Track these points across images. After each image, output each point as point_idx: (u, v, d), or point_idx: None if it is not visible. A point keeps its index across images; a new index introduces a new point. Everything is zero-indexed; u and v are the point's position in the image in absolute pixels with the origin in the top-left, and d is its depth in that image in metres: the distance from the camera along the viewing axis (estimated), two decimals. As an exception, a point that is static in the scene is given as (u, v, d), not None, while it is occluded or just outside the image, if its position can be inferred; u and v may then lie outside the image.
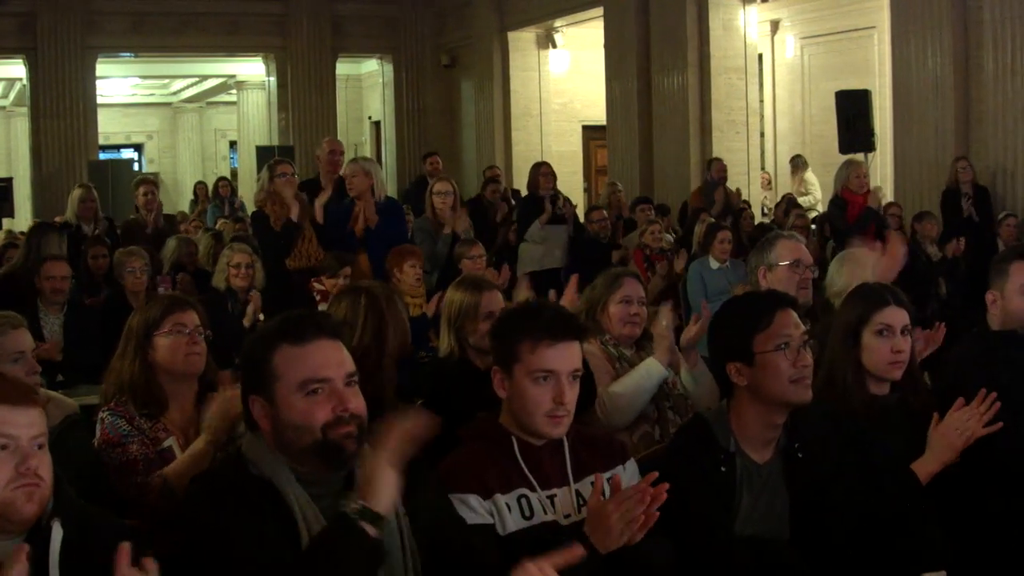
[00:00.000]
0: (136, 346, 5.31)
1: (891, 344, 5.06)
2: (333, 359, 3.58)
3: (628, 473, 4.32)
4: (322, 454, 3.49)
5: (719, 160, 18.11)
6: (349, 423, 3.50)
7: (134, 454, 5.06)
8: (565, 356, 4.14)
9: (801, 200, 19.62)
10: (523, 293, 7.33)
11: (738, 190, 17.85)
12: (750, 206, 18.46)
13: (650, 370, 5.98)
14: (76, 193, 12.86)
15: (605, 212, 14.13)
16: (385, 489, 3.39)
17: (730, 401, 4.55)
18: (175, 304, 5.45)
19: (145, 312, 5.41)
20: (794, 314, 4.52)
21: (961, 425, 4.70)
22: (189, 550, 3.45)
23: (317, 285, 9.82)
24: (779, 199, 19.25)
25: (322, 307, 9.00)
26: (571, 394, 4.14)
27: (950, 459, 4.69)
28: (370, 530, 3.34)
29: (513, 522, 4.01)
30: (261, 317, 9.34)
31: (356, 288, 6.20)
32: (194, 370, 5.34)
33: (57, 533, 3.30)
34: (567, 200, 15.18)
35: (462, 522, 3.87)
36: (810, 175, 21.11)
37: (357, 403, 3.56)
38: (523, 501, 4.05)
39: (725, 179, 17.42)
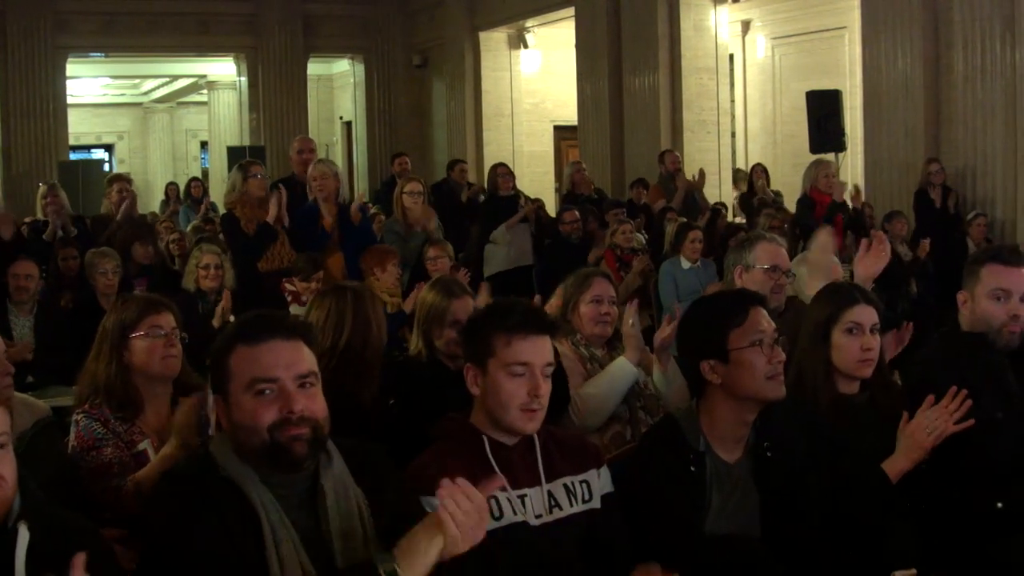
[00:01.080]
0: (111, 348, 5.27)
1: (860, 342, 5.08)
2: (284, 359, 3.54)
3: (603, 478, 4.34)
4: (270, 456, 3.46)
5: (671, 151, 18.11)
6: (298, 425, 3.46)
7: (108, 457, 5.03)
8: (539, 349, 4.15)
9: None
10: (483, 299, 7.33)
11: (695, 177, 17.77)
12: (727, 208, 18.52)
13: (623, 369, 5.98)
14: (40, 191, 12.79)
15: (577, 213, 14.10)
16: (428, 558, 3.31)
17: (700, 400, 4.56)
18: (151, 306, 5.40)
19: (120, 313, 5.36)
20: (765, 312, 4.54)
21: (930, 424, 4.72)
22: (153, 549, 3.45)
23: (289, 286, 9.80)
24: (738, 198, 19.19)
25: (294, 308, 9.01)
26: (545, 388, 4.14)
27: (920, 458, 4.70)
28: None
29: (483, 522, 4.00)
30: (231, 318, 9.30)
31: (341, 287, 6.20)
32: (171, 372, 5.32)
33: (23, 536, 3.23)
34: (528, 199, 15.19)
35: None
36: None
37: (308, 405, 3.51)
38: (492, 502, 3.98)
39: (680, 170, 17.43)
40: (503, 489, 4.07)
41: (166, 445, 4.94)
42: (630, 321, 6.05)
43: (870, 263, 6.44)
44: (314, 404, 3.54)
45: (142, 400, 5.25)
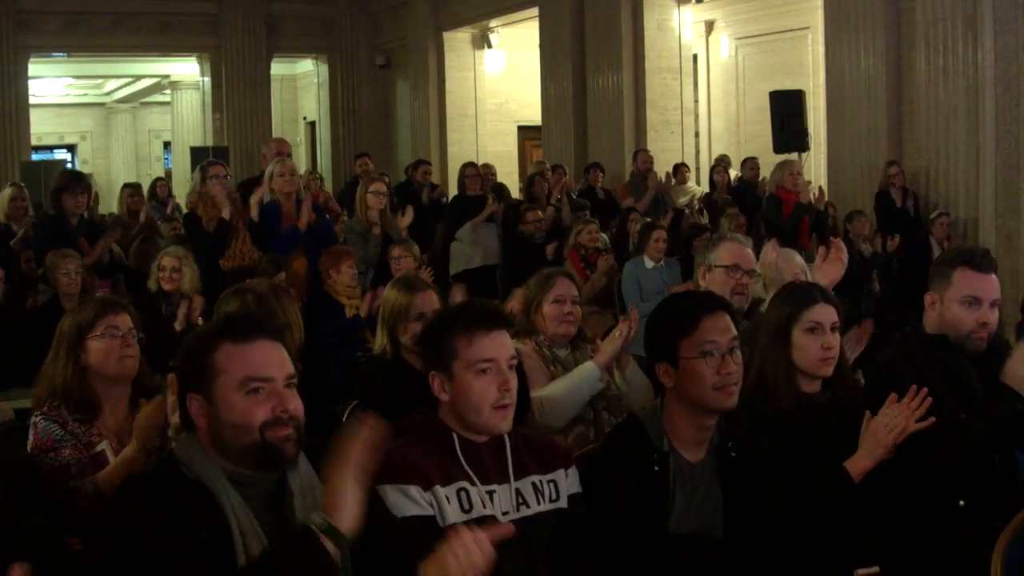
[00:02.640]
0: (68, 350, 5.25)
1: (821, 341, 5.09)
2: (275, 359, 3.57)
3: (570, 478, 4.34)
4: (260, 455, 3.47)
5: (644, 151, 18.25)
6: (288, 424, 3.49)
7: (67, 458, 5.01)
8: (501, 344, 4.17)
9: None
10: (458, 297, 7.31)
11: (668, 174, 17.83)
12: (692, 210, 18.51)
13: (588, 375, 5.96)
14: (6, 192, 12.70)
15: (540, 213, 14.10)
16: (350, 505, 3.37)
17: (663, 400, 4.55)
18: (107, 306, 5.38)
19: (77, 315, 5.35)
20: (726, 318, 4.51)
21: (892, 422, 4.72)
22: (120, 552, 3.42)
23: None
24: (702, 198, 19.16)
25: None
26: (513, 381, 4.17)
27: (882, 456, 4.70)
28: (329, 547, 3.32)
29: (453, 514, 4.00)
30: (200, 321, 9.25)
31: (243, 290, 6.16)
32: (128, 373, 5.29)
33: None
34: (495, 199, 15.18)
35: (392, 518, 3.86)
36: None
37: (296, 405, 3.54)
38: (463, 494, 4.05)
39: (651, 169, 17.48)
40: (472, 484, 4.09)
41: (127, 448, 4.91)
42: (617, 333, 6.03)
43: (829, 270, 6.44)
44: (299, 404, 3.57)
45: (100, 401, 5.22)
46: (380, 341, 6.42)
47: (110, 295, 7.51)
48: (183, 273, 10.09)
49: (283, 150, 11.98)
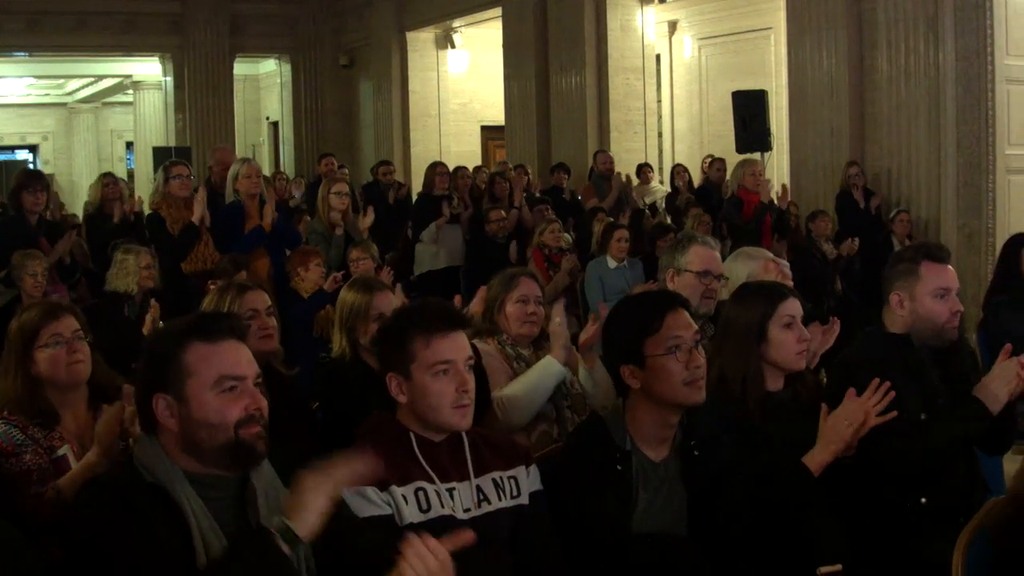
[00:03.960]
0: (16, 361, 5.14)
1: (798, 335, 5.12)
2: (244, 358, 3.58)
3: (531, 475, 4.35)
4: (234, 453, 3.48)
5: (604, 152, 18.30)
6: (258, 422, 3.51)
7: (28, 464, 4.93)
8: (458, 345, 4.18)
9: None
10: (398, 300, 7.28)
11: (628, 177, 17.89)
12: (658, 209, 18.56)
13: (548, 368, 5.97)
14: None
15: (503, 212, 14.11)
16: (313, 515, 3.37)
17: (626, 400, 4.56)
18: (49, 313, 5.23)
19: (20, 322, 5.22)
20: (686, 314, 4.54)
21: (850, 416, 4.73)
22: (79, 556, 3.40)
23: (214, 287, 9.74)
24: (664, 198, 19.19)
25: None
26: (471, 381, 4.17)
27: (839, 450, 4.71)
28: (284, 549, 3.31)
29: (410, 514, 4.01)
30: (161, 324, 9.18)
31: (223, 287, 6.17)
32: (79, 379, 5.19)
33: None
34: (462, 200, 15.18)
35: (353, 518, 3.85)
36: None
37: (265, 403, 3.56)
38: (420, 494, 4.06)
39: (612, 170, 17.53)
40: (431, 482, 4.10)
41: (89, 454, 4.85)
42: (556, 320, 6.05)
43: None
44: (266, 403, 3.59)
45: (55, 409, 5.13)
46: (338, 343, 6.41)
47: (50, 299, 7.38)
48: (128, 271, 9.98)
49: (227, 160, 11.88)
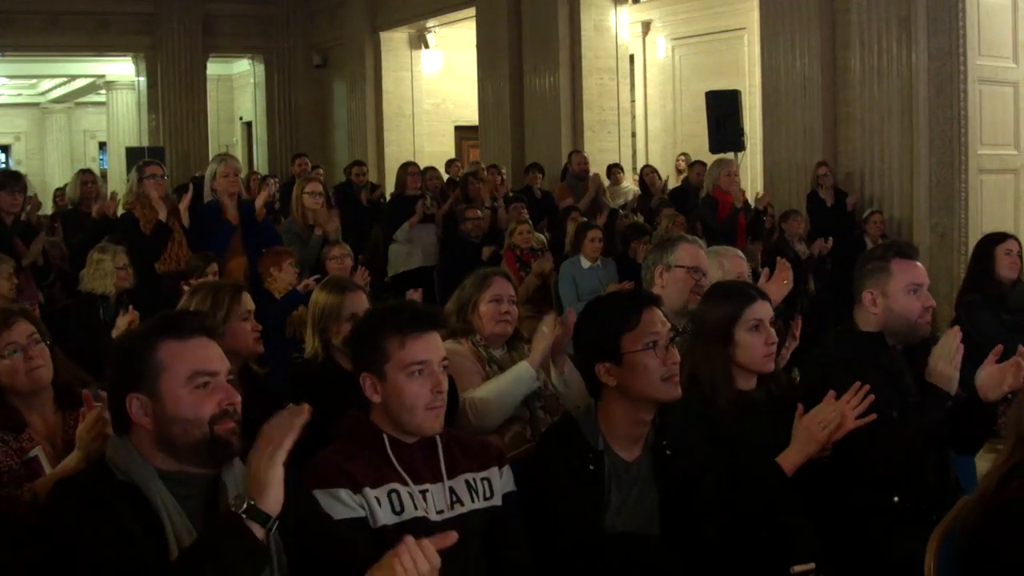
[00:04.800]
0: None
1: (765, 337, 5.12)
2: (216, 354, 3.60)
3: (504, 477, 4.35)
4: (209, 449, 3.49)
5: (578, 152, 18.31)
6: (232, 418, 3.52)
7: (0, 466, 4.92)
8: (433, 346, 4.17)
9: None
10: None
11: (596, 175, 17.90)
12: (629, 210, 18.56)
13: (522, 374, 5.95)
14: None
15: (479, 212, 14.11)
16: (274, 488, 3.36)
17: (598, 400, 4.56)
18: (1, 321, 5.20)
19: None
20: (659, 312, 4.55)
21: (825, 418, 4.74)
22: (53, 556, 3.40)
23: (187, 287, 9.70)
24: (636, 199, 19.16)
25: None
26: (445, 382, 4.17)
27: (813, 451, 4.72)
28: (257, 531, 3.31)
29: (384, 516, 4.01)
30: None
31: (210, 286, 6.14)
32: (40, 385, 5.08)
33: None
34: (434, 199, 15.18)
35: (328, 519, 3.86)
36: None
37: (238, 399, 3.57)
38: (393, 496, 4.04)
39: (587, 171, 17.55)
40: (404, 484, 4.09)
41: (69, 457, 4.79)
42: (545, 329, 6.02)
43: (772, 290, 6.44)
44: (239, 398, 3.59)
45: (21, 415, 5.06)
46: (311, 344, 6.40)
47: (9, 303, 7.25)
48: (104, 272, 9.86)
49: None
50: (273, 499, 3.35)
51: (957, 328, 5.28)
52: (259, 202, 10.87)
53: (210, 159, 12.46)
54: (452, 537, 3.48)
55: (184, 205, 10.67)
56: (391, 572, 3.30)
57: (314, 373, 6.19)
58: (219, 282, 6.83)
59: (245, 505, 3.32)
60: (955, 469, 5.50)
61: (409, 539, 3.34)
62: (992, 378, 5.18)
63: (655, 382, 4.42)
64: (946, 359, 5.18)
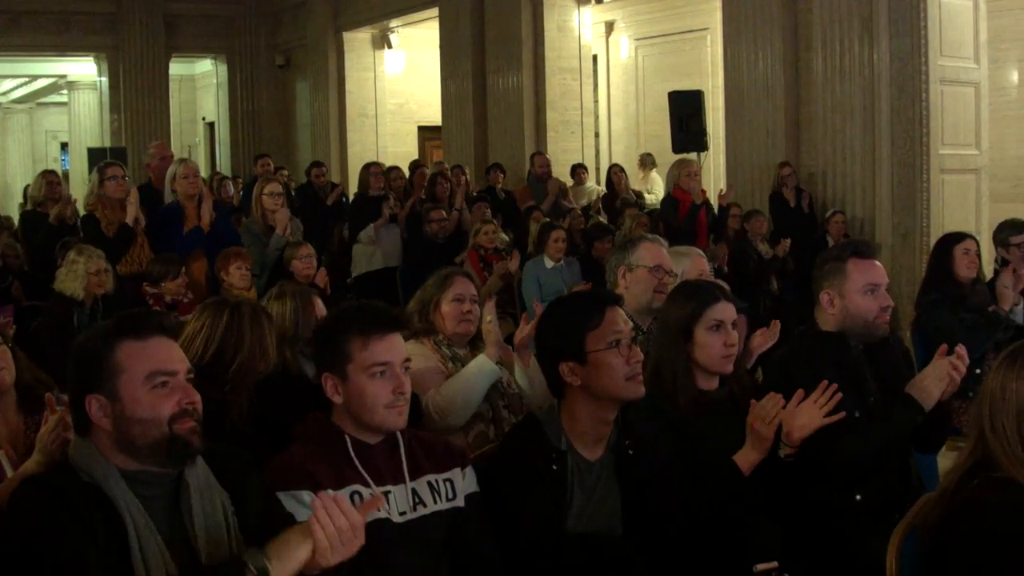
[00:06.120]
0: None
1: (724, 338, 5.12)
2: (175, 354, 3.59)
3: (467, 478, 4.35)
4: (168, 448, 3.47)
5: (541, 154, 18.34)
6: (192, 417, 3.51)
7: (-40, 468, 4.88)
8: (395, 347, 4.17)
9: (648, 198, 19.70)
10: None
11: (555, 180, 17.96)
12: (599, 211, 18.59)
13: (481, 366, 5.95)
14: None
15: (444, 212, 14.08)
16: (295, 561, 3.33)
17: (562, 400, 4.56)
18: None
19: None
20: (622, 311, 4.57)
21: (764, 414, 4.73)
22: (14, 557, 3.36)
23: (150, 289, 9.65)
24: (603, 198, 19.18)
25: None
26: (407, 383, 4.16)
27: (766, 447, 4.71)
28: None
29: (346, 518, 3.97)
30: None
31: (223, 303, 6.03)
32: (1, 388, 5.04)
33: None
34: (398, 200, 15.16)
35: (291, 520, 3.82)
36: (655, 174, 21.05)
37: (198, 398, 3.56)
38: (356, 497, 4.02)
39: (549, 173, 17.57)
40: (367, 485, 4.08)
41: (29, 461, 4.77)
42: (488, 318, 6.03)
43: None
44: (199, 398, 3.58)
45: None
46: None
47: None
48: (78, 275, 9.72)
49: (165, 154, 11.78)
50: (285, 570, 3.33)
51: (956, 360, 5.24)
52: (205, 217, 10.74)
53: (175, 158, 12.35)
54: (379, 500, 3.54)
55: (131, 201, 10.57)
56: (308, 528, 3.32)
57: (274, 383, 6.10)
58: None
59: (262, 565, 3.30)
60: (917, 467, 5.52)
61: (323, 494, 3.35)
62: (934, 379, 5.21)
63: (619, 381, 4.43)
64: (935, 380, 5.18)
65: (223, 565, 3.40)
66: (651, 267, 6.67)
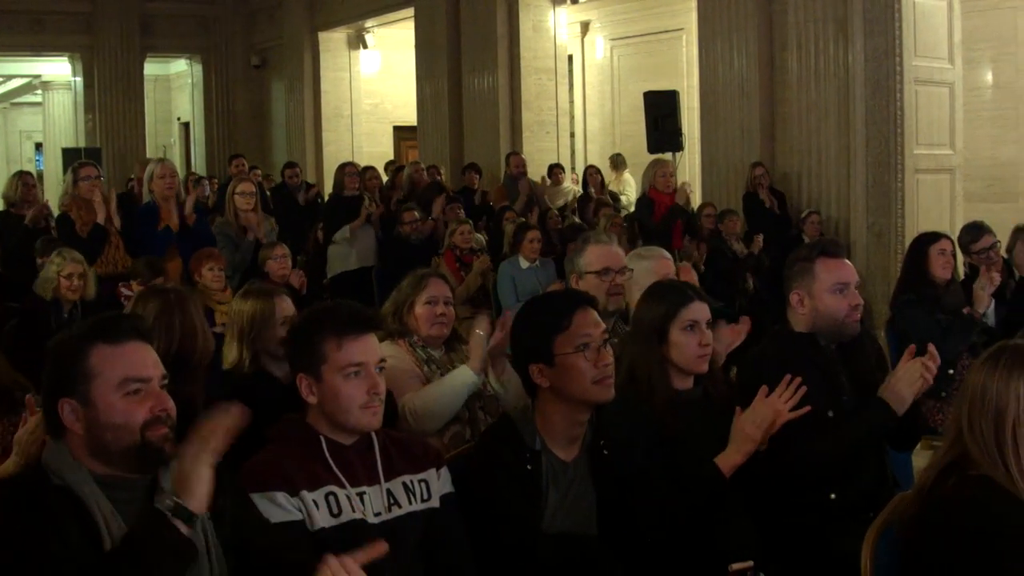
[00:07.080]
0: None
1: (699, 338, 5.11)
2: (150, 360, 3.54)
3: (442, 478, 4.33)
4: (140, 455, 3.44)
5: (516, 154, 18.30)
6: (165, 424, 3.47)
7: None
8: (370, 347, 4.16)
9: (622, 200, 19.72)
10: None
11: (543, 178, 17.97)
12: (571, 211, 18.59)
13: (464, 378, 5.92)
14: None
15: (417, 213, 14.07)
16: (200, 487, 3.37)
17: (535, 400, 4.56)
18: None
19: None
20: (594, 313, 4.55)
21: (758, 418, 4.74)
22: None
23: (125, 291, 9.61)
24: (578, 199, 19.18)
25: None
26: (382, 384, 4.15)
27: (751, 450, 4.72)
28: (182, 528, 3.31)
29: (321, 519, 3.98)
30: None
31: (163, 290, 6.00)
32: None
33: None
34: (373, 200, 15.14)
35: (266, 522, 3.84)
36: (628, 175, 21.09)
37: (172, 405, 3.52)
38: (331, 498, 4.02)
39: (524, 172, 17.56)
40: (342, 486, 4.07)
41: (7, 462, 4.77)
42: (479, 331, 6.01)
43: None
44: (173, 404, 3.55)
45: None
46: (234, 354, 6.28)
47: None
48: (87, 280, 9.53)
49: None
50: (198, 498, 3.36)
51: (928, 361, 5.25)
52: (188, 207, 10.76)
53: (148, 160, 12.32)
54: (383, 547, 3.49)
55: (98, 201, 10.50)
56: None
57: (242, 383, 6.09)
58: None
59: (170, 503, 3.33)
60: (891, 466, 5.53)
61: (331, 560, 3.34)
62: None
63: (586, 384, 4.43)
64: (907, 383, 5.18)
65: (144, 522, 3.37)
66: (598, 271, 6.67)
